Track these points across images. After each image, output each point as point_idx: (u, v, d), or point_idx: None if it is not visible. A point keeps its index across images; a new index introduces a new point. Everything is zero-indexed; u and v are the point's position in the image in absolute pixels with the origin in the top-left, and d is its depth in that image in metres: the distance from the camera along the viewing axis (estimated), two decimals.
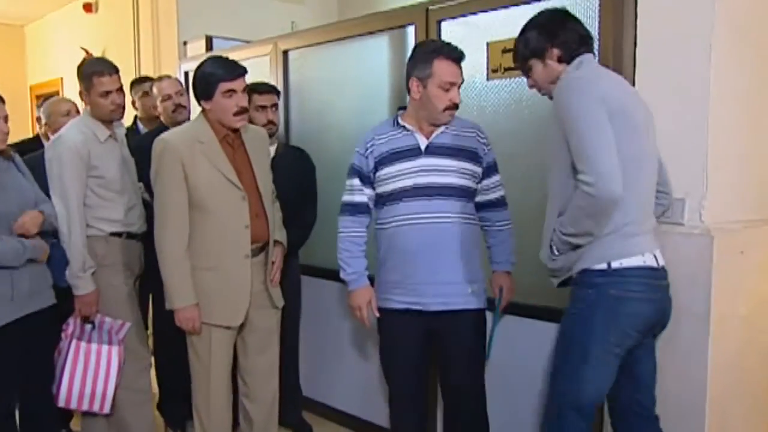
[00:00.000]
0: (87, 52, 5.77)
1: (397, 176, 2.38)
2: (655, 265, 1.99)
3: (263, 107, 3.17)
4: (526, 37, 2.11)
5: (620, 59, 2.27)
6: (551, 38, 2.05)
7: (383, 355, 2.58)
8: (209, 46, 4.48)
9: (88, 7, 5.90)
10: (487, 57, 2.69)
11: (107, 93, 2.74)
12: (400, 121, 2.43)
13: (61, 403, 2.71)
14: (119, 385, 2.77)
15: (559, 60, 2.05)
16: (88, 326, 2.74)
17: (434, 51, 2.32)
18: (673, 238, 2.15)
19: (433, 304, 2.37)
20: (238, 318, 2.56)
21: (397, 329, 2.46)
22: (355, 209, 2.48)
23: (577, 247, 1.98)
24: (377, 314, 2.47)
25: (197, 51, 4.52)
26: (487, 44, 2.68)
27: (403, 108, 2.49)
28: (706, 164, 2.13)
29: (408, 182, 2.36)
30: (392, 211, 2.40)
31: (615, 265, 1.95)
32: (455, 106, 2.34)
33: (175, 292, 2.48)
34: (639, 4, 2.24)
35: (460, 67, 2.34)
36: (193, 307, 2.48)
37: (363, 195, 2.47)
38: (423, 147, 2.38)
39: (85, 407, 2.73)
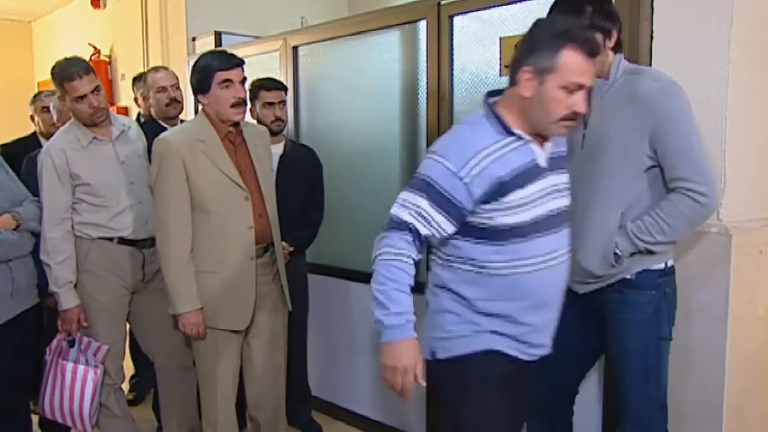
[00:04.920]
0: (95, 48, 5.77)
1: (527, 204, 1.72)
2: None
3: (271, 104, 3.13)
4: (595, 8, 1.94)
5: (636, 54, 2.22)
6: (614, 23, 1.95)
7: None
8: (218, 42, 4.45)
9: (95, 3, 5.89)
10: (500, 52, 2.65)
11: (82, 97, 2.62)
12: (513, 129, 1.72)
13: (47, 415, 2.73)
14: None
15: (612, 48, 1.97)
16: (65, 343, 2.69)
17: (565, 35, 1.65)
18: (689, 236, 2.10)
19: (543, 349, 1.86)
20: (244, 321, 2.50)
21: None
22: (415, 236, 1.73)
23: (638, 252, 1.94)
24: (423, 383, 1.72)
25: (206, 47, 4.47)
26: (500, 39, 2.65)
27: (493, 94, 1.81)
28: (723, 161, 2.10)
29: (539, 211, 1.74)
30: (516, 251, 1.73)
31: (669, 264, 1.99)
32: (575, 116, 1.69)
33: (179, 297, 2.42)
34: None
35: (593, 64, 1.70)
36: (198, 312, 2.43)
37: (431, 229, 1.72)
38: (544, 163, 1.77)
39: (68, 423, 2.74)
